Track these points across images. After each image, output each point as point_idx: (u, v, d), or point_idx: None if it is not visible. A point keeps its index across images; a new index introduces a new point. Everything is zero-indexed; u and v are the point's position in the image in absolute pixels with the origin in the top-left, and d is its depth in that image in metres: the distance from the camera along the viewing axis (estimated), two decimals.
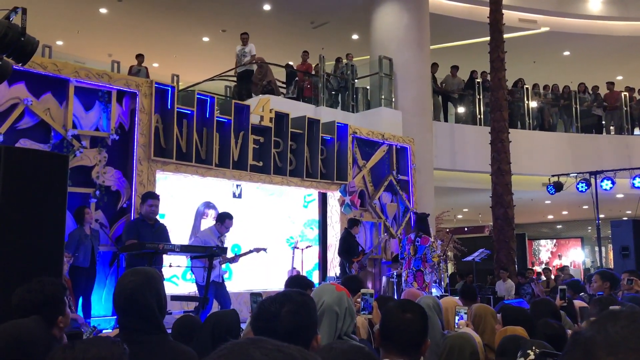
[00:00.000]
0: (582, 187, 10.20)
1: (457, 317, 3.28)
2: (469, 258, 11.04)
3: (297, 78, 12.42)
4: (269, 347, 0.72)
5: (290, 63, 15.26)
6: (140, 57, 12.36)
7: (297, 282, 4.02)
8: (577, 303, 4.47)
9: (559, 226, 23.90)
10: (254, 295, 3.40)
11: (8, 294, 3.41)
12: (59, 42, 14.68)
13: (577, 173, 10.53)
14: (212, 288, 6.37)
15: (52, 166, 3.60)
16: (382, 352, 1.96)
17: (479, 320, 3.49)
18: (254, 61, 11.54)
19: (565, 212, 20.46)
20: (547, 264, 22.57)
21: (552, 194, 11.17)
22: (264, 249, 7.85)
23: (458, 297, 4.68)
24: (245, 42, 11.81)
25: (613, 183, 10.08)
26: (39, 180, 3.52)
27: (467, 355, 2.84)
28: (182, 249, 5.39)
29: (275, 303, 1.63)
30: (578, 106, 15.06)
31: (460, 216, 19.98)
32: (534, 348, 2.09)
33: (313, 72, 12.53)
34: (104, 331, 6.43)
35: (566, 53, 17.29)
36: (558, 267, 19.08)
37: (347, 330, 2.10)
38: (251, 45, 11.73)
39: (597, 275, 5.68)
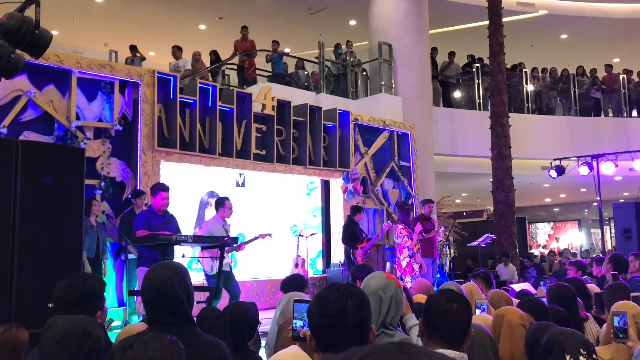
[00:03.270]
0: (584, 170, 10.23)
1: (478, 310, 3.27)
2: (474, 243, 11.11)
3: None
4: (420, 355, 0.71)
5: (287, 50, 15.21)
6: (133, 48, 12.24)
7: (294, 282, 4.09)
8: (590, 287, 4.50)
9: (556, 209, 24.02)
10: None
11: (30, 286, 3.41)
12: (55, 32, 14.48)
13: (579, 156, 10.57)
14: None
15: (68, 159, 3.58)
16: (424, 341, 1.97)
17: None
18: (189, 76, 10.51)
19: (563, 195, 20.56)
20: (544, 247, 22.71)
21: (554, 178, 11.22)
22: (269, 234, 7.84)
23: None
24: (178, 57, 11.03)
25: (615, 166, 10.12)
26: (55, 174, 3.51)
27: (487, 345, 2.85)
28: (195, 240, 5.39)
29: (340, 298, 1.65)
30: (577, 89, 15.08)
31: (458, 201, 20.05)
32: (581, 350, 2.07)
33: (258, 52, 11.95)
34: (113, 323, 6.45)
35: (564, 36, 17.27)
36: (556, 249, 19.23)
37: (392, 320, 2.10)
38: (185, 59, 10.97)
39: (607, 260, 5.74)
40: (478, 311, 3.55)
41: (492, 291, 3.97)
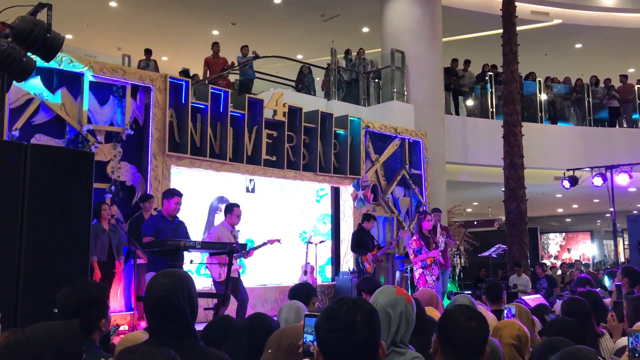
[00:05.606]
0: (597, 181, 10.10)
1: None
2: (486, 253, 10.99)
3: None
4: None
5: (300, 56, 15.22)
6: (148, 52, 12.28)
7: (301, 292, 3.93)
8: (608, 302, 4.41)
9: (568, 219, 23.80)
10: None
11: (36, 290, 3.39)
12: (69, 36, 14.62)
13: (592, 167, 10.44)
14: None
15: (77, 163, 3.56)
16: (437, 358, 1.91)
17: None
18: None
19: (575, 206, 20.37)
20: (556, 257, 22.49)
21: (567, 188, 11.08)
22: (278, 240, 7.80)
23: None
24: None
25: (630, 177, 9.97)
26: (64, 178, 3.49)
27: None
28: (203, 246, 5.35)
29: (349, 312, 1.60)
30: (591, 99, 14.93)
31: (469, 210, 19.92)
32: None
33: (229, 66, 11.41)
34: (120, 327, 6.42)
35: (578, 46, 17.14)
36: (568, 260, 19.02)
37: (403, 338, 2.04)
38: None
39: (620, 273, 5.63)
40: (505, 312, 3.49)
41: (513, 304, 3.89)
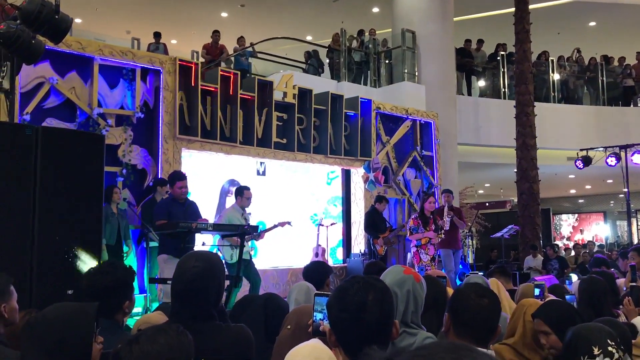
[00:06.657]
0: (612, 161, 9.98)
1: (537, 290, 3.22)
2: (498, 234, 10.94)
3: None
4: (472, 355, 0.67)
5: (309, 37, 15.12)
6: (157, 35, 12.25)
7: (316, 271, 3.76)
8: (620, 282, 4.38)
9: (580, 200, 23.63)
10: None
11: (50, 272, 3.41)
12: (78, 20, 14.60)
13: (606, 147, 10.32)
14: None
15: (88, 147, 3.56)
16: (450, 338, 1.89)
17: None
18: None
19: (588, 187, 20.20)
20: (568, 238, 22.38)
21: (580, 168, 10.98)
22: (289, 222, 7.81)
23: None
24: None
25: None
26: (76, 161, 3.49)
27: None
28: (215, 228, 5.36)
29: (360, 291, 1.58)
30: (605, 78, 14.72)
31: (481, 191, 19.84)
32: (612, 344, 1.89)
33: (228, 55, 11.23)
34: (134, 309, 6.47)
35: (592, 24, 16.87)
36: (581, 242, 18.93)
37: (414, 317, 2.01)
38: None
39: (634, 252, 5.58)
40: (537, 290, 3.51)
41: (524, 285, 3.87)
